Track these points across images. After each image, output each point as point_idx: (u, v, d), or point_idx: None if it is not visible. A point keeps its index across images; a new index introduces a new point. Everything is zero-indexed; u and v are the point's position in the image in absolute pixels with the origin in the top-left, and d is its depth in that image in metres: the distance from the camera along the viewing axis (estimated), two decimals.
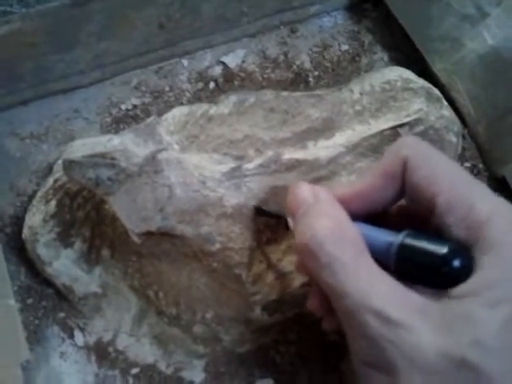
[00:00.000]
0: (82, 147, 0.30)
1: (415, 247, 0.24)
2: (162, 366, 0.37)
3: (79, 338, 0.38)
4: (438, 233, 0.25)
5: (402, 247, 0.24)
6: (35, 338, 0.37)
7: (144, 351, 0.37)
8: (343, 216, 0.25)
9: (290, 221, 0.28)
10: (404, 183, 0.26)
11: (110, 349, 0.37)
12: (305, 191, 0.27)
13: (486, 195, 0.24)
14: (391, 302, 0.22)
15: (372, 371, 0.23)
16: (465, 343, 0.21)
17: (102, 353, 0.37)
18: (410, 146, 0.26)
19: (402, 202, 0.28)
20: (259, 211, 0.33)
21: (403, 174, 0.26)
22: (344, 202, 0.26)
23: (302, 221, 0.26)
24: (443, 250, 0.23)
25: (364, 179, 0.27)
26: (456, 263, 0.23)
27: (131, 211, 0.31)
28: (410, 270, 0.24)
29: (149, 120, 0.36)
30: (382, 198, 0.27)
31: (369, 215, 0.27)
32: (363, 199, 0.27)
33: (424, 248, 0.24)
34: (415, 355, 0.21)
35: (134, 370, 0.37)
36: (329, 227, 0.24)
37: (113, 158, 0.30)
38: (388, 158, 0.26)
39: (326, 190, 0.28)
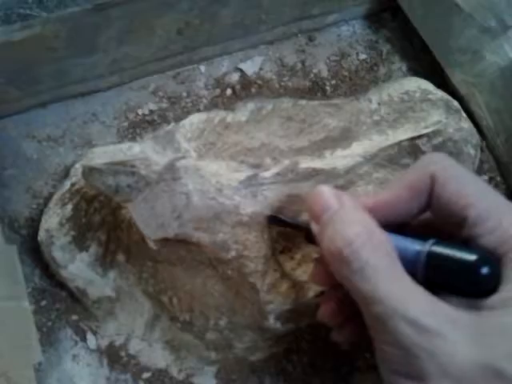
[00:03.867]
0: (102, 154, 0.31)
1: (444, 255, 0.24)
2: (173, 371, 0.37)
3: (92, 341, 0.38)
4: (465, 244, 0.25)
5: (431, 255, 0.25)
6: (48, 340, 0.37)
7: (156, 356, 0.38)
8: (373, 223, 0.26)
9: (313, 226, 0.28)
10: (431, 197, 0.26)
11: (122, 353, 0.38)
12: (327, 195, 0.27)
13: None
14: (426, 311, 0.22)
15: (402, 379, 0.23)
16: (501, 355, 0.21)
17: (114, 356, 0.37)
18: (438, 162, 0.26)
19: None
20: (275, 220, 0.33)
21: (431, 189, 0.26)
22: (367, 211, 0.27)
23: (331, 227, 0.26)
24: (472, 257, 0.23)
25: (389, 191, 0.27)
26: (485, 270, 0.23)
27: (149, 218, 0.31)
28: (439, 278, 0.25)
29: (168, 127, 0.36)
30: (405, 210, 0.27)
31: (390, 226, 0.27)
32: (387, 210, 0.27)
33: (453, 256, 0.24)
34: (450, 364, 0.22)
35: (146, 375, 0.37)
36: (362, 234, 0.25)
37: (133, 166, 0.30)
38: (415, 172, 0.27)
39: (349, 195, 0.28)
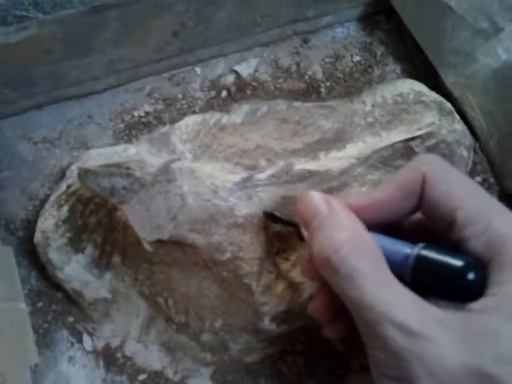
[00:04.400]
0: (97, 156, 0.31)
1: (432, 259, 0.25)
2: (169, 372, 0.37)
3: (88, 342, 0.38)
4: (454, 247, 0.25)
5: (419, 259, 0.25)
6: (44, 341, 0.38)
7: (152, 358, 0.38)
8: (361, 227, 0.26)
9: (303, 231, 0.28)
10: (422, 198, 0.26)
11: (118, 354, 0.38)
12: (317, 201, 0.27)
13: (504, 212, 0.25)
14: (413, 314, 0.23)
15: (392, 383, 0.23)
16: (489, 357, 0.21)
17: (110, 358, 0.38)
18: (429, 163, 0.26)
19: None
20: (270, 217, 0.33)
21: (422, 190, 0.26)
22: (357, 212, 0.27)
23: (320, 233, 0.26)
24: (459, 262, 0.24)
25: (380, 191, 0.27)
26: (471, 276, 0.23)
27: (144, 220, 0.31)
28: (426, 281, 0.25)
29: (163, 129, 0.36)
30: (397, 211, 0.27)
31: (381, 226, 0.27)
32: (378, 210, 0.27)
33: (440, 260, 0.24)
34: (438, 368, 0.22)
35: (142, 376, 0.37)
36: (349, 240, 0.25)
37: (128, 168, 0.31)
38: (406, 173, 0.27)
39: (338, 199, 0.28)
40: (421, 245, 0.25)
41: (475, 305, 0.23)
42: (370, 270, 0.24)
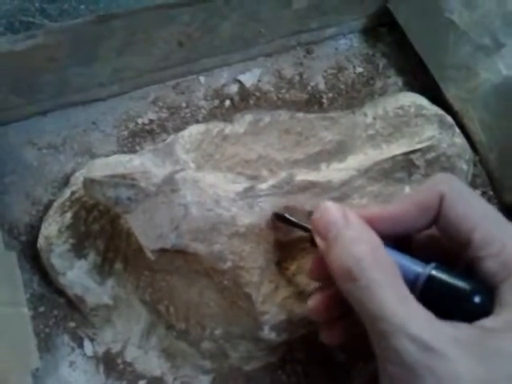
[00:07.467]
0: (103, 167, 0.31)
1: (442, 280, 0.25)
2: (168, 379, 0.38)
3: (89, 348, 0.38)
4: (468, 265, 0.26)
5: (430, 279, 0.26)
6: (45, 346, 0.38)
7: (152, 364, 0.38)
8: (378, 240, 0.26)
9: (318, 240, 0.29)
10: (439, 216, 0.27)
11: (119, 360, 0.38)
12: (333, 211, 0.28)
13: None
14: (428, 330, 0.23)
15: None
16: (503, 376, 0.22)
17: (110, 364, 0.38)
18: (447, 182, 0.27)
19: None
20: (281, 219, 0.33)
21: (439, 208, 0.27)
22: (372, 223, 0.27)
23: (338, 244, 0.26)
24: (467, 286, 0.25)
25: (396, 205, 0.28)
26: (477, 299, 0.24)
27: (147, 229, 0.32)
28: (432, 300, 0.25)
29: (168, 140, 0.36)
30: (411, 225, 0.28)
31: (392, 238, 0.28)
32: (392, 224, 0.28)
33: (450, 282, 0.25)
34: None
35: (141, 382, 0.38)
36: (369, 252, 0.25)
37: (133, 179, 0.31)
38: (424, 190, 0.27)
39: (354, 211, 0.28)
40: (432, 265, 0.26)
41: (488, 323, 0.24)
42: (389, 283, 0.24)
